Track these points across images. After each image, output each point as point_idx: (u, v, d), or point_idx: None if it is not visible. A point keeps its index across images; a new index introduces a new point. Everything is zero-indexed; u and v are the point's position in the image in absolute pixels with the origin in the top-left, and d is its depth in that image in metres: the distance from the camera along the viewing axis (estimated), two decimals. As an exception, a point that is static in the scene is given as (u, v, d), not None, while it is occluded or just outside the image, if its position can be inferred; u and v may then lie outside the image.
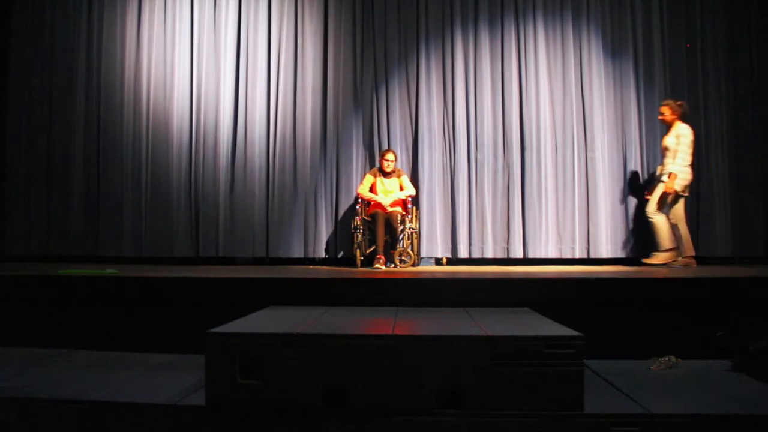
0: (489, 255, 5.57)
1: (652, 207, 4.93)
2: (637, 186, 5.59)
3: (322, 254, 5.71)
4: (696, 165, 5.59)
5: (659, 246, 4.85)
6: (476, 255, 5.56)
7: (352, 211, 5.58)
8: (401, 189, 5.33)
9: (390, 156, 5.29)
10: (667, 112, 4.99)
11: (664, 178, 4.85)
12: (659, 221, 4.87)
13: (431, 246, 5.64)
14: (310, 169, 5.75)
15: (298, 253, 5.70)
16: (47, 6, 6.06)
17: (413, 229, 5.24)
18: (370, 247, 5.11)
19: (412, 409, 1.93)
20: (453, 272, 4.33)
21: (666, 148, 4.95)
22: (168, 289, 3.20)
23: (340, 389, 1.96)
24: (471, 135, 5.66)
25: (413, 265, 5.12)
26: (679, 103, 5.02)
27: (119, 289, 3.21)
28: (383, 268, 4.73)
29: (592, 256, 5.52)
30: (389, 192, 5.27)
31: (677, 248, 4.88)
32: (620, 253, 5.54)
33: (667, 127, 5.05)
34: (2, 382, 2.26)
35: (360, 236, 5.11)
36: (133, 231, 5.79)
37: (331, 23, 5.84)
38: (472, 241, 5.59)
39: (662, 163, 5.04)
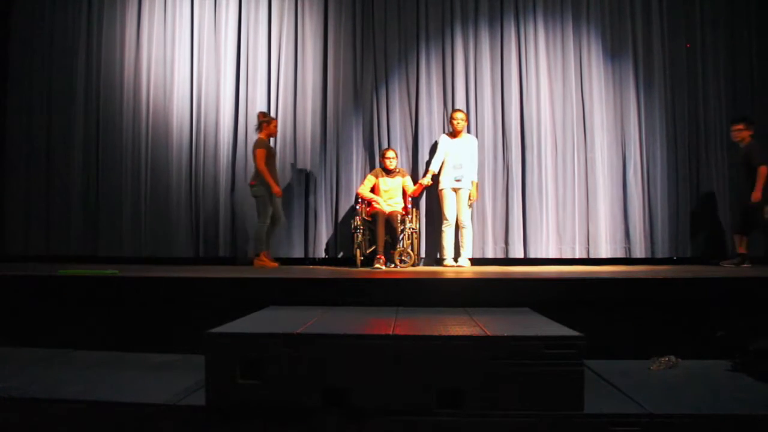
0: (489, 255, 5.58)
1: (468, 215, 5.27)
2: (638, 186, 5.59)
3: (323, 254, 5.71)
4: (696, 165, 5.62)
5: (458, 251, 5.22)
6: (476, 255, 5.55)
7: (352, 211, 5.59)
8: (404, 189, 5.34)
9: (391, 153, 5.31)
10: (464, 119, 5.26)
11: (470, 187, 5.21)
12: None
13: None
14: (310, 169, 5.76)
15: (298, 253, 5.70)
16: (47, 6, 6.07)
17: (413, 229, 5.24)
18: (370, 247, 5.11)
19: (412, 409, 1.93)
20: (453, 272, 4.32)
21: (459, 156, 5.20)
22: (168, 289, 3.19)
23: (340, 389, 1.95)
24: (471, 135, 5.67)
25: (413, 265, 5.11)
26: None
27: (119, 289, 3.21)
28: (383, 268, 4.73)
29: (592, 256, 5.53)
30: (391, 189, 5.27)
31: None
32: (620, 253, 5.54)
33: (455, 134, 5.29)
34: (2, 382, 2.25)
35: (360, 236, 5.11)
36: (133, 231, 5.80)
37: (331, 23, 5.85)
38: (473, 241, 5.58)
39: (458, 166, 5.19)
